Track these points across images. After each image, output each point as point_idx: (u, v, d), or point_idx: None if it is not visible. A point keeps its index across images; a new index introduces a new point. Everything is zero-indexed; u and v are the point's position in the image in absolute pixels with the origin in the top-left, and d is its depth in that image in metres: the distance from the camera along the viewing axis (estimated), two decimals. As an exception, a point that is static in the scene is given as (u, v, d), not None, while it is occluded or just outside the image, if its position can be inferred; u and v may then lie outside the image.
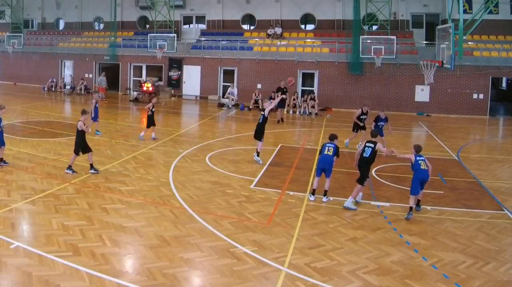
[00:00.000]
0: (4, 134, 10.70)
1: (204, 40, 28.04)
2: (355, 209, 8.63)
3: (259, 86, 25.10)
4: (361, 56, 23.17)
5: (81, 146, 10.31)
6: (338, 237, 7.30)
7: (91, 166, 10.41)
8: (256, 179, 10.46)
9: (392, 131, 14.60)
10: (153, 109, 14.24)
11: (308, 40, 26.36)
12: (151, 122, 14.33)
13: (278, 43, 26.24)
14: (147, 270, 5.94)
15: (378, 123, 13.35)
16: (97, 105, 15.13)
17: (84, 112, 10.59)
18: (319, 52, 24.72)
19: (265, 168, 11.52)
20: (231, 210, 8.41)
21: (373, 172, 11.25)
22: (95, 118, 14.78)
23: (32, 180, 9.61)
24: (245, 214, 8.23)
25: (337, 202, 9.06)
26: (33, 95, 26.12)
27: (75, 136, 10.44)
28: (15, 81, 32.35)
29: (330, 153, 9.14)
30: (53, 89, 28.94)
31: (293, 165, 11.83)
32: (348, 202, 8.71)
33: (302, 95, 23.39)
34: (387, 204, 9.00)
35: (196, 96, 26.94)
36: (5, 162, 10.63)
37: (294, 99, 23.08)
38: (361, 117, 14.00)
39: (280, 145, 14.36)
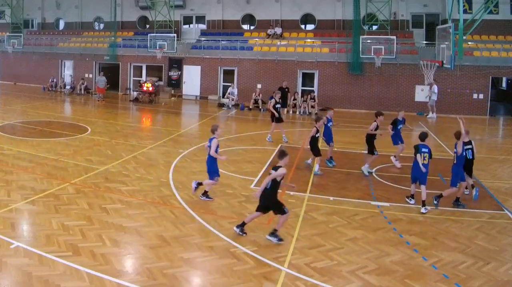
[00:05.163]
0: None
1: (204, 40, 28.04)
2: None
3: (259, 86, 25.10)
4: (361, 56, 23.16)
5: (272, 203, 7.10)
6: (338, 237, 7.30)
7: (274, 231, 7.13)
8: (256, 179, 10.45)
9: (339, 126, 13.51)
10: (317, 135, 11.15)
11: (308, 40, 26.36)
12: (317, 150, 11.17)
13: (278, 43, 26.23)
14: (147, 270, 5.94)
15: (328, 124, 12.03)
16: (329, 125, 12.08)
17: (282, 154, 7.09)
18: (319, 52, 24.70)
19: (265, 168, 11.50)
20: (231, 210, 8.41)
21: (373, 172, 11.26)
22: (328, 140, 12.11)
23: (32, 180, 9.61)
24: (245, 214, 8.21)
25: (338, 201, 9.06)
26: (33, 95, 26.10)
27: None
28: (15, 81, 32.33)
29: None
30: (53, 89, 28.89)
31: (293, 165, 11.81)
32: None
33: (302, 95, 23.39)
34: (387, 204, 8.99)
35: (196, 96, 26.94)
36: None
37: (294, 99, 23.09)
38: (276, 106, 14.85)
39: (280, 145, 14.35)
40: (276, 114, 14.88)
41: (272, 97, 22.91)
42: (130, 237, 7.00)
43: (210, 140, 8.66)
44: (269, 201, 7.00)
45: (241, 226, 7.20)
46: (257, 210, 7.16)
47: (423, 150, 8.82)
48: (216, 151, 8.56)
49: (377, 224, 7.97)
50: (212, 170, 8.72)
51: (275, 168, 6.96)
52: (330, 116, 12.07)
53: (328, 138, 12.04)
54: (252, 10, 29.25)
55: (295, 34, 27.46)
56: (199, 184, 8.96)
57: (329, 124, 12.02)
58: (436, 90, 21.53)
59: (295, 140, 15.82)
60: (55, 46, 31.04)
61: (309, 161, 11.69)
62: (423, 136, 9.06)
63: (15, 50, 31.46)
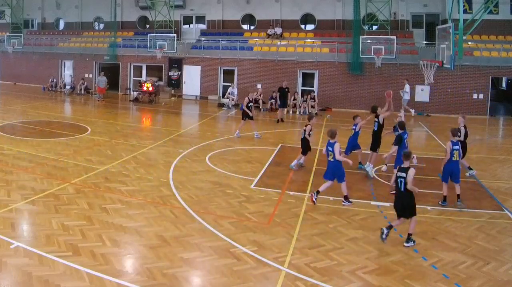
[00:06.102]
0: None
1: (204, 40, 28.04)
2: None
3: (259, 86, 25.09)
4: (361, 56, 23.16)
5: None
6: (338, 237, 7.30)
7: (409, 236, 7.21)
8: (256, 179, 10.45)
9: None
10: (311, 132, 11.44)
11: (308, 40, 26.36)
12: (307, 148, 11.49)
13: (278, 43, 26.24)
14: (147, 270, 5.94)
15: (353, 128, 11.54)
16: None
17: (409, 155, 7.26)
18: (319, 52, 24.71)
19: (265, 168, 11.51)
20: (231, 210, 8.40)
21: (373, 171, 11.24)
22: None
23: (32, 180, 9.61)
24: (245, 214, 8.23)
25: (338, 201, 9.06)
26: (33, 95, 26.11)
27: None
28: (15, 81, 32.34)
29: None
30: (53, 89, 28.87)
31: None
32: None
33: (302, 95, 23.39)
34: (387, 204, 8.98)
35: (196, 96, 26.94)
36: None
37: (294, 99, 23.09)
38: (248, 105, 15.75)
39: (280, 145, 14.36)
40: (250, 113, 15.72)
41: (271, 97, 23.26)
42: (130, 237, 7.00)
43: (332, 145, 8.72)
44: (408, 203, 7.00)
45: (408, 239, 7.06)
46: (401, 216, 7.11)
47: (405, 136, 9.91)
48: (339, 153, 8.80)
49: (377, 224, 7.95)
50: (341, 173, 8.81)
51: (400, 169, 7.03)
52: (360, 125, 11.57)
53: (352, 148, 11.48)
54: (252, 10, 29.25)
55: (295, 34, 27.45)
56: (318, 192, 8.87)
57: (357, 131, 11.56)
58: (408, 89, 21.44)
59: (295, 140, 15.81)
60: (55, 46, 31.04)
61: (302, 161, 11.63)
62: (401, 124, 10.08)
63: (15, 50, 31.45)
